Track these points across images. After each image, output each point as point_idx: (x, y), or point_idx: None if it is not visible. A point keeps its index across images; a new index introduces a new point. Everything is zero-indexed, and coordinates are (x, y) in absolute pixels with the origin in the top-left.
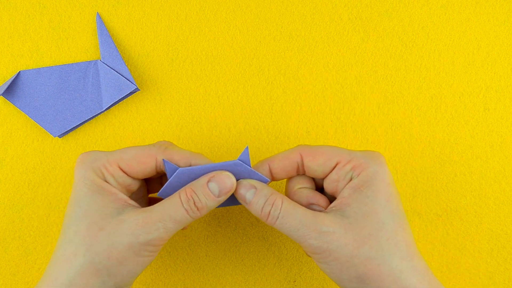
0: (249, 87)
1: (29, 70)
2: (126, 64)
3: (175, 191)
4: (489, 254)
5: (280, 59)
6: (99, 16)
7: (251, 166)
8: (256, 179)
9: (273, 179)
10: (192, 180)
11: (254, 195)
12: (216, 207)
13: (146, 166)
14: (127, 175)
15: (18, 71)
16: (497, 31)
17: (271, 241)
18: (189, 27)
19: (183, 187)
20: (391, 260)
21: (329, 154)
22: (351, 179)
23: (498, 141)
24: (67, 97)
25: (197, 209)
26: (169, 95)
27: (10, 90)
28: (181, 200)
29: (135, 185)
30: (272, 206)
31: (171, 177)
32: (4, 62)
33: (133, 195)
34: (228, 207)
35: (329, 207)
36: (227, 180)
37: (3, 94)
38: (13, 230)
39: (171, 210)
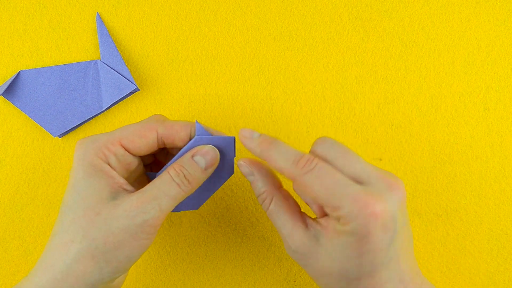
0: (249, 87)
1: (29, 70)
2: (126, 64)
3: None
4: (489, 254)
5: (280, 59)
6: (99, 16)
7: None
8: (221, 141)
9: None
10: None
11: (253, 182)
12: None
13: (148, 140)
14: (129, 152)
15: (18, 71)
16: (497, 31)
17: (271, 241)
18: (189, 27)
19: (171, 164)
20: None
21: (319, 194)
22: (338, 220)
23: (498, 141)
24: (67, 97)
25: (188, 182)
26: (169, 95)
27: (10, 90)
28: (171, 176)
29: (134, 163)
30: (262, 202)
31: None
32: (4, 62)
33: (132, 175)
34: (228, 208)
35: (318, 219)
36: (212, 152)
37: (3, 94)
38: (13, 230)
39: (163, 187)
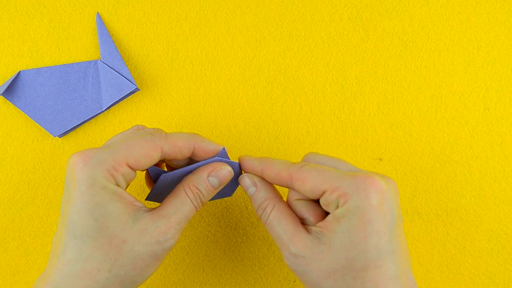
0: (249, 87)
1: (29, 70)
2: (126, 64)
3: (162, 194)
4: (489, 254)
5: (280, 59)
6: (99, 16)
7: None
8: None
9: None
10: (176, 183)
11: (253, 195)
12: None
13: (152, 159)
14: (133, 169)
15: (18, 71)
16: (497, 31)
17: (271, 241)
18: (189, 27)
19: (185, 182)
20: None
21: (317, 181)
22: (337, 207)
23: (498, 141)
24: (67, 97)
25: (202, 203)
26: (169, 95)
27: (10, 90)
28: (190, 199)
29: (133, 176)
30: (263, 211)
31: (157, 183)
32: (4, 62)
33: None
34: (228, 208)
35: (317, 224)
36: (226, 172)
37: (3, 94)
38: (13, 230)
39: (185, 210)
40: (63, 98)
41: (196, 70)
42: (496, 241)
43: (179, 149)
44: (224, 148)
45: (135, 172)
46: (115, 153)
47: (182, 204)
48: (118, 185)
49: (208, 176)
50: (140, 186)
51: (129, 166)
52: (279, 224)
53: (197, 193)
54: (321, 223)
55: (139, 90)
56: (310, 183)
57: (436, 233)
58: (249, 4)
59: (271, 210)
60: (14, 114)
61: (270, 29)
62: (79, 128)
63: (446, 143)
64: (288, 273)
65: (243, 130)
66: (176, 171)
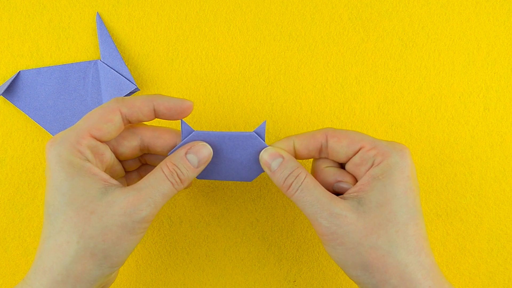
0: (249, 87)
1: (29, 70)
2: (126, 64)
3: None
4: (489, 254)
5: (280, 59)
6: (99, 16)
7: (270, 141)
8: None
9: (295, 157)
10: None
11: (280, 165)
12: (226, 181)
13: (115, 123)
14: (100, 141)
15: (18, 71)
16: (497, 31)
17: (271, 241)
18: (189, 27)
19: (163, 160)
20: (397, 252)
21: (354, 138)
22: (372, 165)
23: (498, 141)
24: (67, 97)
25: (181, 181)
26: (169, 95)
27: (10, 90)
28: (165, 174)
29: (107, 154)
30: (295, 178)
31: (186, 138)
32: (4, 62)
33: (107, 166)
34: (228, 208)
35: (347, 192)
36: (205, 150)
37: (3, 94)
38: (13, 230)
39: (158, 185)
40: (63, 98)
41: (196, 70)
42: (496, 241)
43: (138, 109)
44: (264, 122)
45: (105, 146)
46: (76, 128)
47: (156, 179)
48: (87, 160)
49: (186, 153)
50: None
51: (93, 137)
52: (316, 188)
53: (174, 169)
54: (355, 187)
55: (139, 90)
56: (347, 140)
57: (436, 233)
58: (249, 4)
59: (305, 176)
60: (14, 114)
61: (270, 29)
62: None
63: (446, 143)
64: (288, 273)
65: (243, 130)
66: (208, 132)
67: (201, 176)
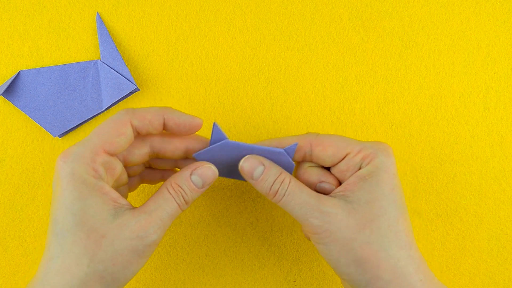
0: (249, 87)
1: (29, 70)
2: (126, 64)
3: (212, 158)
4: (489, 254)
5: (280, 59)
6: (99, 16)
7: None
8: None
9: None
10: (233, 154)
11: (263, 173)
12: (223, 177)
13: (126, 136)
14: (112, 154)
15: (18, 71)
16: (497, 31)
17: (271, 241)
18: (189, 27)
19: (168, 180)
20: (389, 247)
21: (339, 145)
22: (359, 169)
23: (498, 141)
24: (67, 97)
25: (186, 202)
26: (169, 95)
27: (10, 90)
28: (172, 196)
29: (118, 167)
30: (280, 184)
31: (216, 145)
32: (4, 62)
33: (117, 180)
34: (227, 208)
35: (333, 191)
36: (209, 172)
37: (3, 94)
38: (13, 230)
39: (167, 207)
40: (63, 98)
41: (196, 70)
42: (496, 241)
43: (149, 122)
44: (295, 144)
45: (117, 160)
46: (90, 144)
47: (164, 201)
48: (100, 177)
49: (191, 175)
50: (140, 186)
51: (107, 152)
52: (302, 191)
53: (179, 191)
54: (342, 187)
55: (139, 90)
56: (332, 148)
57: (436, 233)
58: (249, 4)
59: (290, 181)
60: (14, 114)
61: (270, 29)
62: (79, 128)
63: (446, 143)
64: (288, 273)
65: (243, 130)
66: (240, 143)
67: (222, 174)
